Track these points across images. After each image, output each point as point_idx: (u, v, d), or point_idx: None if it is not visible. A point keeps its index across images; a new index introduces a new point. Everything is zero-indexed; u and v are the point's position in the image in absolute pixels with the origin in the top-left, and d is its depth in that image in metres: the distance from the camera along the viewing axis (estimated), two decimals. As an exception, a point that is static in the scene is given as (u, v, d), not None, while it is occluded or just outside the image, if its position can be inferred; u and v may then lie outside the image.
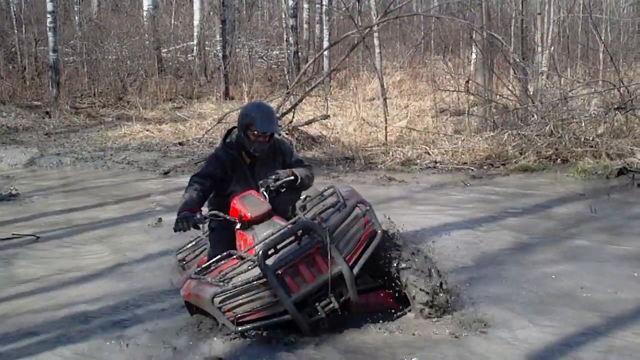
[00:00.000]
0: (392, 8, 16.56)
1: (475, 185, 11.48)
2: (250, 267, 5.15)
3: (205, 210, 5.92)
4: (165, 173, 13.51)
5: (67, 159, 15.24)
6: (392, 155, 13.78)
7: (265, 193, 5.76)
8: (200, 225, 5.87)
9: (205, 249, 6.20)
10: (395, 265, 5.53)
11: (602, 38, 18.55)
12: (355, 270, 5.25)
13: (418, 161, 13.34)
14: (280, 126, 6.07)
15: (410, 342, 5.22)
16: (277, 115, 13.87)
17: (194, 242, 6.83)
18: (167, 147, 16.26)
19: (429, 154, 13.62)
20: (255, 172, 5.98)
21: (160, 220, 9.44)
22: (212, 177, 5.94)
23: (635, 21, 25.04)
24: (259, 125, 5.78)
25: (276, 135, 6.08)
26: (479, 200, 10.41)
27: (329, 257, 5.14)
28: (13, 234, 9.03)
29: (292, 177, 5.92)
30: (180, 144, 16.55)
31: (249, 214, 5.50)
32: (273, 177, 5.84)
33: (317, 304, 5.25)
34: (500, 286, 6.48)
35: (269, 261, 5.09)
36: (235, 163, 5.99)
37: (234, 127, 6.21)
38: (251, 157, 6.02)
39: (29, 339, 5.75)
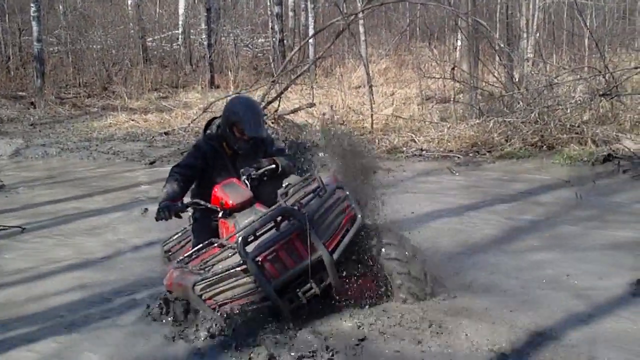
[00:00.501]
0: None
1: (461, 173, 11.50)
2: (230, 255, 5.14)
3: (187, 199, 5.92)
4: (151, 163, 13.48)
5: (53, 150, 15.19)
6: (378, 143, 13.77)
7: (247, 181, 5.77)
8: (183, 214, 5.85)
9: (191, 239, 6.20)
10: (380, 252, 5.54)
11: (588, 24, 18.57)
12: (336, 255, 5.21)
13: (404, 149, 13.35)
14: (265, 122, 6.05)
15: (393, 330, 5.22)
16: (263, 104, 13.88)
17: (180, 234, 6.82)
18: (153, 136, 16.22)
19: (415, 141, 13.63)
20: (237, 162, 5.96)
21: (146, 210, 9.43)
22: (193, 167, 5.95)
23: (620, 7, 25.10)
24: (247, 130, 5.78)
25: None
26: (465, 188, 10.43)
27: (308, 242, 5.13)
28: (-1, 226, 9.02)
29: (274, 166, 5.93)
30: (166, 133, 16.52)
31: (230, 202, 5.49)
32: (255, 165, 5.85)
33: (298, 289, 5.23)
34: (485, 273, 6.49)
35: (249, 248, 5.07)
36: (216, 154, 5.99)
37: (214, 118, 6.23)
38: (232, 149, 6.01)
39: (14, 330, 5.74)
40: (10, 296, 6.62)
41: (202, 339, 5.17)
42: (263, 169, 5.88)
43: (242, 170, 5.85)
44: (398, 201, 9.50)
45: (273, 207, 5.38)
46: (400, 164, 12.39)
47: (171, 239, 6.97)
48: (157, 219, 5.66)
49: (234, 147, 5.93)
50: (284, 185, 5.96)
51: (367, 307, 5.53)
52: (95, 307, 6.22)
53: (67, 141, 16.06)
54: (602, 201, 9.29)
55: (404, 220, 8.38)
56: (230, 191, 5.57)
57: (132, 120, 18.16)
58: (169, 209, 5.58)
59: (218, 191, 5.61)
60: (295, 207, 5.27)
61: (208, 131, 6.17)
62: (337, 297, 5.43)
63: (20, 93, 21.86)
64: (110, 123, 18.00)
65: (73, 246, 8.21)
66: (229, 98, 6.19)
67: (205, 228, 5.90)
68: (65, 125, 18.06)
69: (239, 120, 5.79)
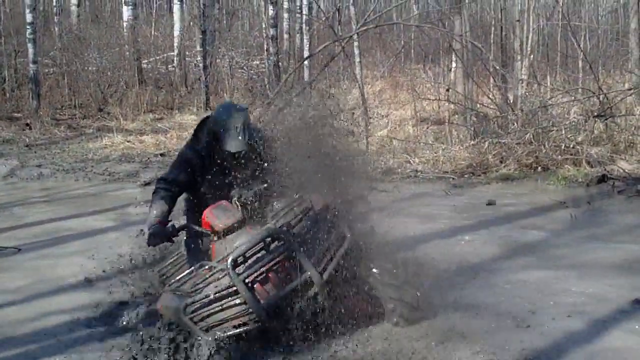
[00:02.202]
0: (371, 17, 16.57)
1: (456, 194, 11.52)
2: (220, 277, 5.15)
3: (177, 221, 5.93)
4: (147, 184, 13.46)
5: (48, 171, 15.16)
6: (373, 164, 13.77)
7: (237, 203, 5.77)
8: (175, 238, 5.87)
9: (185, 263, 6.17)
10: (373, 276, 5.54)
11: (581, 46, 18.66)
12: (325, 275, 5.21)
13: (399, 170, 13.35)
14: (253, 138, 5.87)
15: (386, 352, 5.23)
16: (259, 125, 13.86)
17: (175, 257, 6.81)
18: (148, 158, 16.21)
19: (410, 163, 13.66)
20: (227, 171, 5.89)
21: (142, 231, 9.38)
22: (179, 183, 5.91)
23: (614, 29, 25.20)
24: (226, 146, 5.73)
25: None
26: (459, 209, 10.44)
27: (297, 263, 5.14)
28: (-5, 248, 9.00)
29: (265, 185, 5.91)
30: (161, 154, 16.51)
31: (220, 224, 5.49)
32: (245, 190, 5.84)
33: (288, 310, 5.24)
34: (479, 295, 6.50)
35: (239, 270, 5.08)
36: (204, 163, 5.91)
37: (208, 117, 6.11)
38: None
39: (10, 350, 5.73)
40: (6, 317, 6.60)
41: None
42: (253, 191, 5.88)
43: (232, 192, 5.85)
44: (392, 222, 9.51)
45: (262, 228, 5.39)
46: (395, 185, 12.39)
47: (166, 264, 6.96)
48: (148, 245, 5.69)
49: (220, 155, 5.82)
50: (274, 206, 5.96)
51: (358, 329, 5.54)
52: (91, 329, 6.22)
53: (62, 162, 16.03)
54: (597, 221, 9.32)
55: (398, 241, 8.39)
56: (219, 214, 5.56)
57: (128, 141, 18.14)
58: (160, 235, 5.62)
59: (207, 214, 5.61)
60: (284, 228, 5.27)
61: (200, 134, 6.06)
62: (328, 318, 5.42)
63: (15, 114, 21.83)
64: (106, 144, 17.98)
65: (69, 267, 8.17)
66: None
67: (198, 250, 5.91)
68: (61, 147, 18.03)
69: (218, 133, 5.73)
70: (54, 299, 7.04)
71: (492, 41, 21.66)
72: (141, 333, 5.60)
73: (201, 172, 5.91)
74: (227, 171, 5.91)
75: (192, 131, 6.28)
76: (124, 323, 6.28)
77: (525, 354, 5.10)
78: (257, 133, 5.97)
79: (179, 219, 6.07)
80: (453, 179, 12.53)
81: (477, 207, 10.53)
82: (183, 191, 5.99)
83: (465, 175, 12.72)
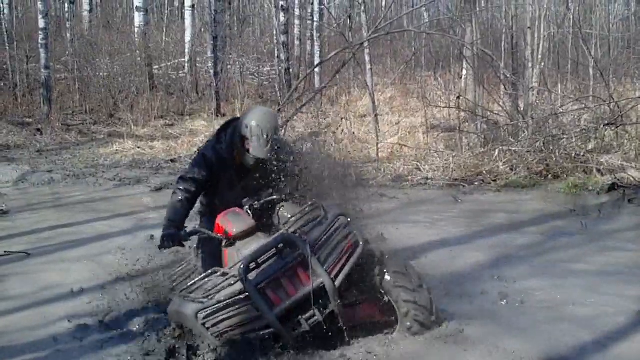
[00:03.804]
0: (382, 24, 16.57)
1: (466, 201, 11.51)
2: (233, 283, 5.15)
3: (190, 226, 5.96)
4: (157, 189, 13.48)
5: (59, 176, 15.18)
6: (384, 171, 13.79)
7: (249, 211, 5.79)
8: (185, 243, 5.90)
9: (195, 270, 6.18)
10: (386, 281, 5.54)
11: (592, 53, 18.62)
12: (338, 282, 5.23)
13: (409, 177, 13.35)
14: (277, 144, 5.95)
15: (395, 357, 5.23)
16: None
17: (185, 264, 6.81)
18: (159, 164, 16.23)
19: (420, 170, 13.64)
20: (244, 176, 6.03)
21: (152, 237, 9.42)
22: (199, 182, 6.01)
23: (625, 37, 25.17)
24: (252, 149, 5.83)
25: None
26: (470, 217, 10.43)
27: (310, 269, 5.14)
28: (5, 252, 9.01)
29: (275, 197, 5.98)
30: (172, 160, 16.53)
31: (234, 230, 5.51)
32: (255, 197, 5.93)
33: (300, 317, 5.24)
34: (488, 302, 6.51)
35: (251, 276, 5.09)
36: (224, 164, 6.03)
37: (233, 120, 6.22)
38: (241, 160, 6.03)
39: (18, 356, 5.74)
40: (14, 321, 6.63)
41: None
42: (264, 200, 5.92)
43: (243, 200, 5.88)
44: (402, 229, 9.55)
45: (275, 235, 5.40)
46: (405, 192, 12.40)
47: (177, 269, 6.97)
48: (160, 248, 5.73)
49: (242, 158, 5.94)
50: (284, 213, 5.99)
51: (371, 334, 5.55)
52: (100, 334, 6.23)
53: (73, 167, 16.06)
54: (607, 230, 9.30)
55: (408, 247, 8.41)
56: (233, 220, 5.60)
57: (138, 147, 18.18)
58: (172, 239, 5.65)
59: (221, 220, 5.64)
60: (298, 234, 5.28)
61: (223, 135, 6.13)
62: (340, 324, 5.43)
63: (27, 119, 21.87)
64: (117, 150, 18.02)
65: (78, 272, 8.20)
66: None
67: (210, 255, 5.93)
68: (72, 152, 18.06)
69: (246, 136, 5.81)
70: (62, 305, 7.06)
71: (503, 48, 21.62)
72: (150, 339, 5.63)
73: (219, 173, 6.01)
74: (243, 175, 5.96)
75: (202, 137, 6.36)
76: (134, 329, 6.30)
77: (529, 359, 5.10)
78: (284, 145, 6.07)
79: (192, 220, 6.09)
80: (463, 186, 12.51)
81: (486, 214, 10.51)
82: (202, 191, 6.09)
83: (476, 183, 12.70)
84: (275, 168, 5.90)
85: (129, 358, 5.60)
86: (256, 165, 5.95)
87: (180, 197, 5.96)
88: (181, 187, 5.99)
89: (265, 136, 5.78)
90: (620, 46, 24.23)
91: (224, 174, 6.02)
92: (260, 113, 6.00)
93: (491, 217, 10.33)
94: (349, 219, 5.68)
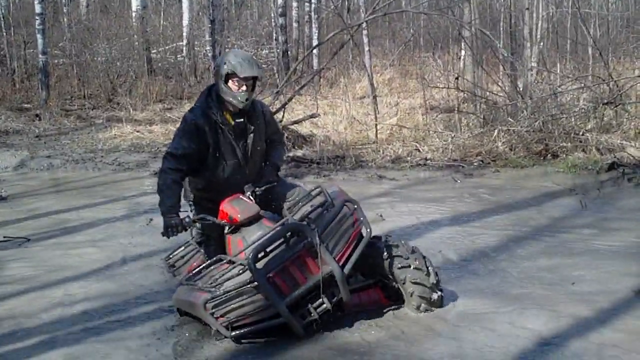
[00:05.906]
0: (380, 5, 16.52)
1: (466, 182, 11.51)
2: (240, 272, 5.10)
3: (191, 214, 5.96)
4: (156, 174, 13.45)
5: (58, 161, 15.18)
6: (383, 153, 13.79)
7: (251, 197, 5.76)
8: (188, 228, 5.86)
9: (195, 254, 6.10)
10: (392, 263, 5.54)
11: (591, 33, 18.57)
12: (346, 269, 5.24)
13: (408, 158, 13.34)
14: (260, 67, 5.83)
15: (405, 337, 5.25)
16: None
17: (183, 247, 6.80)
18: (158, 148, 16.19)
19: (419, 151, 13.64)
20: (240, 140, 5.88)
21: (151, 220, 9.44)
22: (189, 156, 5.74)
23: (624, 16, 25.10)
24: (239, 72, 5.60)
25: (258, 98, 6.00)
26: (469, 197, 10.44)
27: (319, 257, 5.13)
28: (4, 237, 9.01)
29: (275, 183, 6.01)
30: (171, 144, 16.49)
31: (239, 217, 5.49)
32: (256, 184, 5.90)
33: (309, 305, 5.25)
34: (490, 280, 6.56)
35: (259, 264, 5.05)
36: (216, 128, 5.78)
37: (213, 85, 5.93)
38: (235, 116, 5.85)
39: (21, 341, 5.74)
40: (16, 306, 6.62)
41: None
42: (265, 186, 5.92)
43: (245, 186, 5.82)
44: (403, 211, 9.57)
45: (280, 222, 5.38)
46: (404, 173, 12.41)
47: (175, 253, 6.96)
48: (164, 236, 5.67)
49: (234, 102, 5.72)
50: (289, 198, 5.97)
51: (375, 316, 5.57)
52: (100, 318, 6.23)
53: (72, 153, 16.04)
54: (606, 209, 9.30)
55: (410, 229, 8.43)
56: (238, 206, 5.57)
57: (137, 131, 18.14)
58: (176, 227, 5.59)
59: (226, 206, 5.60)
60: (304, 222, 5.27)
61: (208, 99, 5.88)
62: (347, 309, 5.50)
63: (25, 105, 21.82)
64: (115, 134, 17.98)
65: (78, 256, 8.20)
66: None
67: (212, 242, 5.93)
68: (70, 137, 18.02)
69: (232, 69, 5.62)
70: (62, 289, 7.06)
71: (501, 29, 21.61)
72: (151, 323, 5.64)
73: (213, 134, 5.76)
74: (241, 138, 5.88)
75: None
76: (135, 314, 6.30)
77: (533, 338, 5.11)
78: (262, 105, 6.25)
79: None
80: (462, 166, 12.50)
81: (486, 194, 10.52)
82: (193, 167, 5.81)
83: (475, 163, 12.69)
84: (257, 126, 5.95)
85: (130, 343, 5.60)
86: (245, 110, 5.82)
87: (172, 177, 5.68)
88: (172, 167, 5.71)
89: (247, 60, 5.65)
90: (619, 25, 24.17)
91: (218, 137, 5.76)
92: (231, 51, 5.94)
93: (490, 197, 10.33)
94: (355, 206, 5.65)
